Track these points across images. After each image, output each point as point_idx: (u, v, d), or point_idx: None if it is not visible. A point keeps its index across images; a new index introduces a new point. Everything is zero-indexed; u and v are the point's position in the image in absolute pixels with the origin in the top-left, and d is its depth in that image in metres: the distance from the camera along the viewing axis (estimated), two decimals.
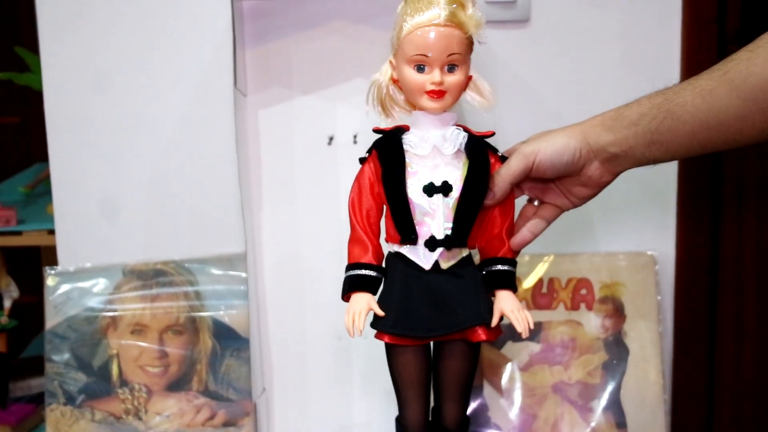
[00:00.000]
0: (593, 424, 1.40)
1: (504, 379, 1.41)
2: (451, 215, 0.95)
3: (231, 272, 1.41)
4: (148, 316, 1.41)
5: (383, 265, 0.97)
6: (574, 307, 1.42)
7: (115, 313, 1.41)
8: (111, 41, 1.41)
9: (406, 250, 0.96)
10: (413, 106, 0.98)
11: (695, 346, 1.46)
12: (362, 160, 0.98)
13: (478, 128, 1.01)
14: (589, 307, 1.41)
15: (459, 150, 0.97)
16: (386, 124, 0.99)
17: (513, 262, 1.00)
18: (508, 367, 1.41)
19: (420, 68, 0.94)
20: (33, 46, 1.48)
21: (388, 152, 0.96)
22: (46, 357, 1.40)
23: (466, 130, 0.98)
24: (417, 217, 0.95)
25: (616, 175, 1.03)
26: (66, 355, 1.40)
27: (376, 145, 0.98)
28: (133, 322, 1.41)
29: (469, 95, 1.00)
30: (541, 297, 1.42)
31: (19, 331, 1.85)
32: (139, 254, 1.43)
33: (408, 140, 0.97)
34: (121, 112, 1.42)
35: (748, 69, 0.93)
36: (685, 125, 0.96)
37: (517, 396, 1.40)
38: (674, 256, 1.45)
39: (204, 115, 1.41)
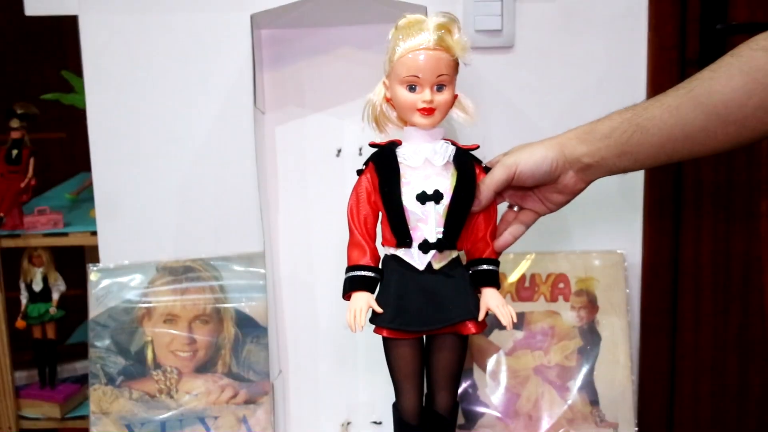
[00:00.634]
0: (570, 401, 1.39)
1: (491, 363, 1.40)
2: (442, 221, 0.94)
3: (251, 269, 1.41)
4: (179, 307, 1.40)
5: (380, 266, 0.97)
6: (553, 300, 1.41)
7: (150, 305, 1.40)
8: (146, 65, 1.41)
9: (401, 253, 0.95)
10: (405, 122, 0.98)
11: (659, 334, 1.46)
12: (359, 172, 0.98)
13: (469, 142, 1.01)
14: (566, 300, 1.41)
15: (448, 162, 0.96)
16: (380, 139, 0.99)
17: (496, 262, 0.99)
18: (495, 352, 1.40)
19: (412, 88, 0.93)
20: (78, 69, 1.48)
21: (384, 164, 0.95)
22: (89, 343, 1.40)
23: (453, 143, 0.98)
24: (411, 222, 0.94)
25: (588, 183, 1.03)
26: (107, 342, 1.40)
27: (372, 158, 0.97)
28: (165, 312, 1.40)
29: (455, 112, 0.99)
30: (524, 290, 1.42)
31: (65, 320, 1.86)
32: (171, 253, 1.43)
33: (401, 153, 0.96)
34: (155, 127, 1.42)
35: (711, 87, 0.93)
36: (653, 138, 0.96)
37: (503, 377, 1.40)
38: (641, 255, 1.44)
39: (227, 130, 1.41)
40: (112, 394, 1.39)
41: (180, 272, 1.41)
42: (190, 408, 1.39)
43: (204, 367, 1.40)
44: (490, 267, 0.98)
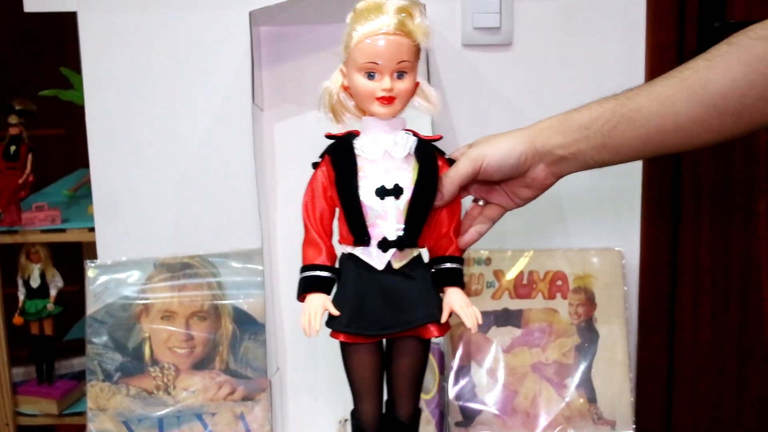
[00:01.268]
0: (567, 399, 1.39)
1: (489, 360, 1.41)
2: (402, 217, 0.88)
3: (249, 265, 1.41)
4: (176, 303, 1.41)
5: (337, 266, 0.90)
6: (551, 297, 1.42)
7: (147, 301, 1.41)
8: (145, 62, 1.41)
9: (359, 252, 0.89)
10: (363, 111, 0.91)
11: (657, 331, 1.46)
12: (315, 165, 0.91)
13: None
14: (564, 297, 1.41)
15: (409, 154, 0.90)
16: (338, 130, 0.92)
17: (461, 260, 0.93)
18: (493, 349, 1.41)
19: (370, 75, 0.87)
20: (76, 66, 1.48)
21: (340, 157, 0.89)
22: (87, 339, 1.40)
23: (415, 134, 0.91)
24: (369, 219, 0.88)
25: (558, 178, 0.97)
26: (104, 338, 1.40)
27: (328, 150, 0.91)
28: (163, 309, 1.41)
29: (417, 101, 0.92)
30: (522, 287, 1.42)
31: (63, 316, 1.85)
32: (168, 249, 1.43)
33: (359, 145, 0.89)
34: (153, 124, 1.42)
35: (707, 76, 0.89)
36: (640, 129, 0.91)
37: (501, 375, 1.40)
38: (639, 252, 1.45)
39: (226, 127, 1.41)
40: (109, 390, 1.39)
41: (178, 269, 1.42)
42: (188, 405, 1.39)
43: (201, 364, 1.40)
44: (454, 265, 0.92)
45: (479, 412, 1.39)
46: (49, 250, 1.79)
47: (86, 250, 1.80)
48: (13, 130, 1.78)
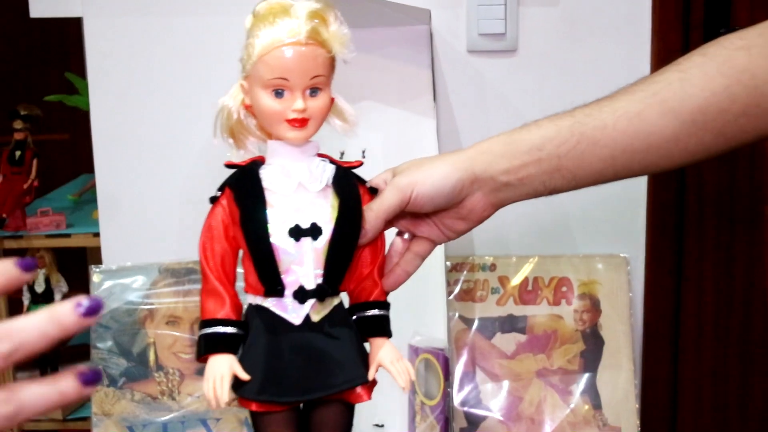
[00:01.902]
0: (572, 405, 1.39)
1: (494, 366, 1.40)
2: (321, 261, 0.73)
3: None
4: (181, 308, 1.41)
5: (243, 318, 0.75)
6: (556, 303, 1.41)
7: (152, 307, 1.41)
8: (149, 67, 1.41)
9: (270, 304, 0.73)
10: (269, 134, 0.76)
11: (662, 338, 1.46)
12: (213, 200, 0.76)
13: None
14: (569, 303, 1.41)
15: (327, 185, 0.75)
16: (240, 157, 0.78)
17: (387, 306, 0.78)
18: (497, 355, 1.41)
19: (278, 93, 0.72)
20: (81, 71, 1.49)
21: (244, 190, 0.74)
22: (91, 344, 1.40)
23: (332, 161, 0.78)
24: (283, 265, 0.72)
25: (497, 208, 0.84)
26: (109, 343, 1.40)
27: (229, 181, 0.76)
28: (167, 314, 1.41)
29: (331, 120, 0.79)
30: (526, 294, 1.42)
31: None
32: (173, 254, 1.43)
33: (267, 176, 0.74)
34: (158, 129, 1.43)
35: (683, 90, 0.79)
36: (604, 149, 0.80)
37: (506, 381, 1.40)
38: (644, 259, 1.44)
39: None
40: (114, 395, 1.39)
41: (182, 274, 1.42)
42: (192, 410, 1.39)
43: None
44: (380, 312, 0.77)
45: (484, 418, 1.39)
46: (53, 255, 1.80)
47: (91, 255, 1.81)
48: (18, 135, 1.79)
